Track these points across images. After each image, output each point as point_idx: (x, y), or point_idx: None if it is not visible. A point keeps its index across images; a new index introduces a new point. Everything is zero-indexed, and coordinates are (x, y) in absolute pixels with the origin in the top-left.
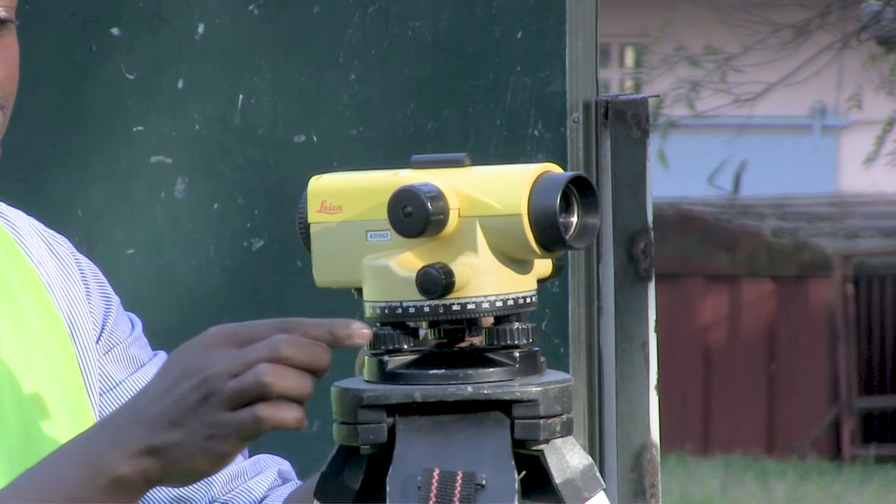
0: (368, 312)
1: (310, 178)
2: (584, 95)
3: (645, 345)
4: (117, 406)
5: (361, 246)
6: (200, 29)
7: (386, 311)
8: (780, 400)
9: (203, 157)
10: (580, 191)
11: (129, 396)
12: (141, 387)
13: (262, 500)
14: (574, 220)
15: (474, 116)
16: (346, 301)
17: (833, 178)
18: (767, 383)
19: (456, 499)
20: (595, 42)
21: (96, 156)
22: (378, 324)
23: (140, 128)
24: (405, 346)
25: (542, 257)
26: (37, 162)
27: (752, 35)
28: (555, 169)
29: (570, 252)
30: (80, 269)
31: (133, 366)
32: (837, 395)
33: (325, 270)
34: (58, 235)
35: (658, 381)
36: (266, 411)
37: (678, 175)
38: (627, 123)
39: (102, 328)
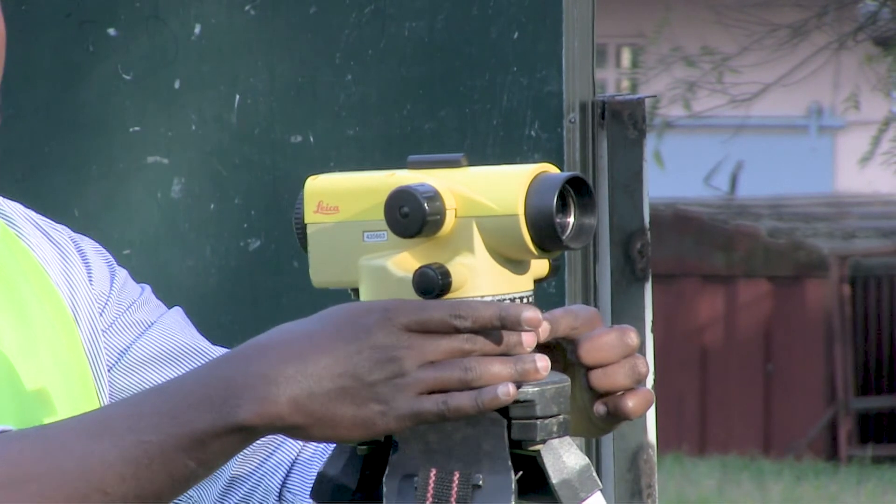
0: None
1: (306, 178)
2: (580, 96)
3: (641, 345)
4: (126, 379)
5: (358, 246)
6: (197, 29)
7: None
8: (777, 400)
9: (199, 158)
10: (577, 191)
11: (136, 363)
12: (150, 349)
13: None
14: (571, 220)
15: (471, 117)
16: (344, 301)
17: (829, 179)
18: (764, 383)
19: (453, 499)
20: (591, 42)
21: (93, 156)
22: None
23: (136, 128)
24: None
25: (538, 258)
26: (33, 162)
27: (749, 35)
28: (551, 169)
29: (566, 252)
30: (79, 251)
31: (139, 329)
32: (834, 396)
33: (322, 271)
34: (55, 223)
35: (655, 381)
36: (459, 400)
37: (675, 175)
38: (624, 124)
39: (107, 300)
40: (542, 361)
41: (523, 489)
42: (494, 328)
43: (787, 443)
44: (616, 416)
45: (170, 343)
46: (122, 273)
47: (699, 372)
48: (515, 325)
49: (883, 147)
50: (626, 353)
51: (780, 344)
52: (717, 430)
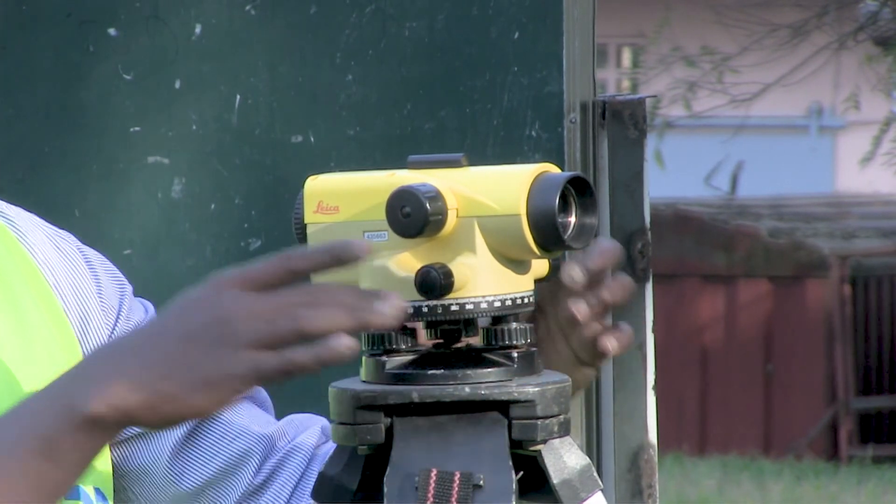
0: None
1: (306, 178)
2: (581, 96)
3: (642, 345)
4: None
5: None
6: (197, 29)
7: None
8: (777, 400)
9: (200, 158)
10: (578, 191)
11: None
12: None
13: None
14: (572, 220)
15: (471, 117)
16: None
17: (830, 179)
18: (764, 384)
19: (453, 499)
20: (592, 42)
21: (93, 156)
22: None
23: (137, 128)
24: (403, 347)
25: (540, 257)
26: (33, 162)
27: (749, 35)
28: (553, 169)
29: (567, 252)
30: (87, 262)
31: None
32: (834, 396)
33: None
34: (61, 231)
35: (655, 381)
36: (297, 353)
37: (675, 175)
38: (624, 124)
39: (118, 317)
40: (388, 301)
41: (524, 489)
42: (328, 266)
43: (787, 443)
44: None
45: None
46: (129, 288)
47: (700, 372)
48: (347, 256)
49: (883, 147)
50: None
51: (781, 344)
52: (717, 430)
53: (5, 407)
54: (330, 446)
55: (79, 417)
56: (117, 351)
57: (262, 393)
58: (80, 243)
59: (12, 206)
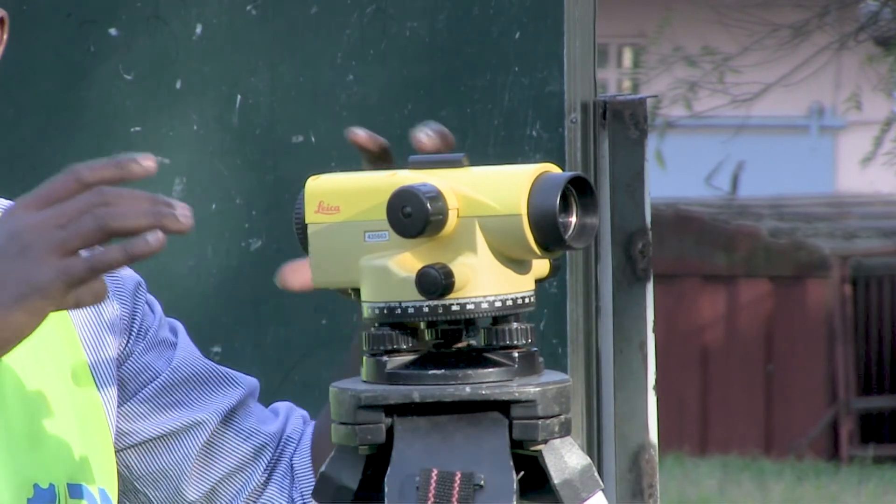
0: (367, 313)
1: (307, 178)
2: (581, 96)
3: (643, 345)
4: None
5: (359, 246)
6: (198, 29)
7: (385, 311)
8: (778, 400)
9: (201, 158)
10: (579, 191)
11: (170, 386)
12: (180, 374)
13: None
14: (573, 220)
15: (472, 117)
16: (344, 302)
17: (830, 179)
18: (765, 384)
19: (454, 499)
20: (593, 42)
21: (94, 156)
22: (376, 324)
23: (138, 128)
24: (404, 347)
25: (541, 257)
26: (34, 162)
27: (750, 35)
28: (553, 169)
29: (568, 252)
30: None
31: (166, 347)
32: (835, 396)
33: (323, 271)
34: None
35: (656, 381)
36: (106, 253)
37: (676, 175)
38: (625, 124)
39: (133, 315)
40: (183, 209)
41: (525, 489)
42: (115, 178)
43: (788, 443)
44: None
45: (199, 365)
46: (143, 286)
47: (700, 372)
48: (132, 168)
49: (884, 147)
50: None
51: (782, 344)
52: (718, 430)
53: (14, 406)
54: (309, 433)
55: None
56: None
57: (257, 384)
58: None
59: None
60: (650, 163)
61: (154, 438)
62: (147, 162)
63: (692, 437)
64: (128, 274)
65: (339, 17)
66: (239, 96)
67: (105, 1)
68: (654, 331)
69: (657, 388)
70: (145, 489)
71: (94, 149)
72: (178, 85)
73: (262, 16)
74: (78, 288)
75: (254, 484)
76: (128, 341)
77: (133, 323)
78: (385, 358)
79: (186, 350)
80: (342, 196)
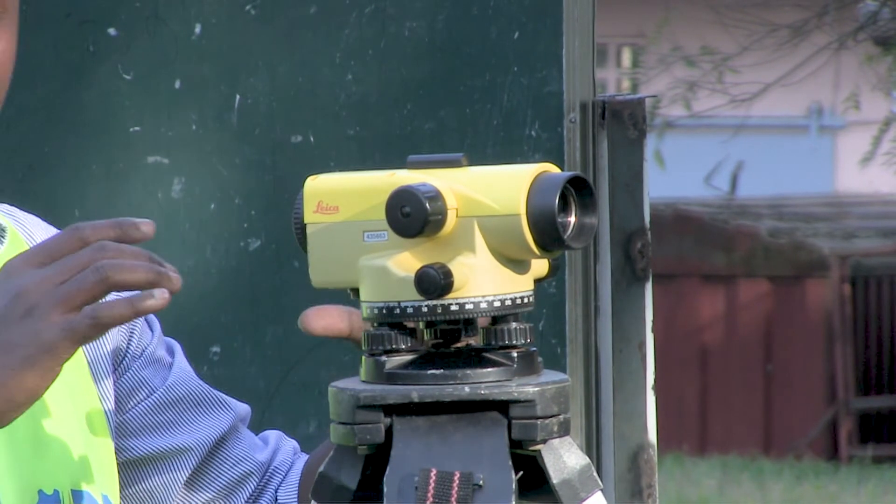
0: (366, 313)
1: (306, 178)
2: (580, 95)
3: (642, 345)
4: (152, 416)
5: (358, 246)
6: (197, 29)
7: (384, 311)
8: (777, 400)
9: (200, 158)
10: (578, 191)
11: (163, 405)
12: (174, 393)
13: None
14: (572, 220)
15: (471, 117)
16: (344, 301)
17: (830, 179)
18: (764, 383)
19: (453, 499)
20: (592, 42)
21: (93, 156)
22: (375, 324)
23: (137, 128)
24: (402, 347)
25: (540, 257)
26: (33, 162)
27: (749, 35)
28: (552, 169)
29: (567, 252)
30: None
31: (163, 365)
32: (834, 396)
33: (322, 271)
34: None
35: (655, 381)
36: (110, 307)
37: (675, 175)
38: (624, 124)
39: (132, 330)
40: (175, 273)
41: (523, 489)
42: (115, 239)
43: (787, 443)
44: None
45: (193, 387)
46: None
47: (699, 372)
48: (133, 232)
49: (883, 147)
50: None
51: (781, 344)
52: (717, 429)
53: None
54: (298, 467)
55: None
56: None
57: (248, 410)
58: None
59: (28, 215)
60: (649, 163)
61: (143, 458)
62: (147, 227)
63: (691, 437)
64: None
65: (338, 16)
66: (238, 96)
67: (104, 1)
68: (654, 331)
69: (656, 387)
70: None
71: (93, 149)
72: (178, 85)
73: (261, 16)
74: (84, 343)
75: None
76: (125, 356)
77: (132, 339)
78: (384, 358)
79: (182, 370)
80: (341, 196)
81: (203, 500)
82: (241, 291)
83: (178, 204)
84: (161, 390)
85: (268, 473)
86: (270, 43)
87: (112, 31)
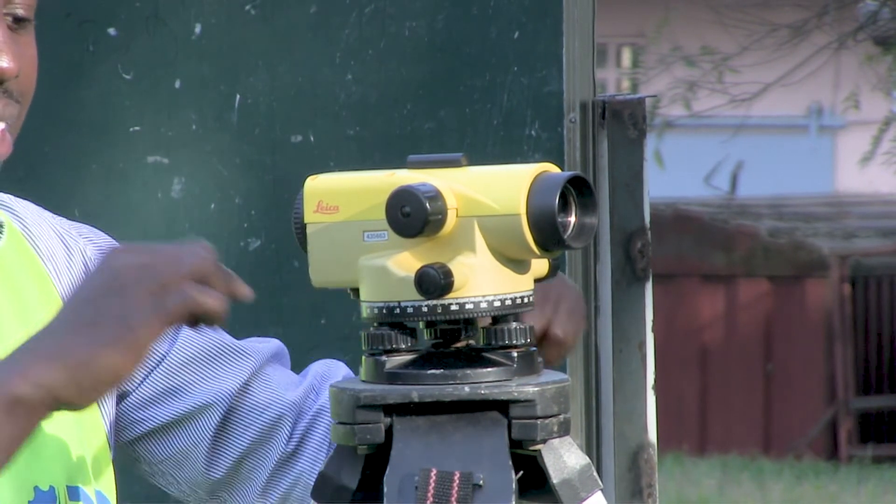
0: (366, 313)
1: (306, 178)
2: (580, 95)
3: (642, 345)
4: (166, 381)
5: (358, 246)
6: (197, 29)
7: (384, 311)
8: (777, 400)
9: (200, 158)
10: (578, 191)
11: (176, 366)
12: (187, 351)
13: None
14: (572, 219)
15: (471, 116)
16: (343, 301)
17: (830, 178)
18: (764, 383)
19: (453, 499)
20: (592, 42)
21: (93, 156)
22: (375, 324)
23: (137, 128)
24: (403, 347)
25: (540, 257)
26: (33, 162)
27: (749, 35)
28: (552, 169)
29: (567, 252)
30: (101, 252)
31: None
32: (834, 395)
33: (322, 270)
34: (72, 226)
35: (655, 381)
36: (195, 291)
37: (675, 175)
38: (624, 123)
39: None
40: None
41: (524, 489)
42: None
43: (787, 442)
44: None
45: (205, 342)
46: None
47: (699, 372)
48: (235, 285)
49: (883, 147)
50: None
51: (781, 343)
52: (717, 429)
53: None
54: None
55: (5, 399)
56: (40, 332)
57: (279, 347)
58: (92, 234)
59: (20, 200)
60: (649, 162)
61: (166, 424)
62: (246, 293)
63: (691, 437)
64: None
65: (338, 16)
66: (238, 96)
67: (104, 1)
68: (653, 330)
69: (656, 387)
70: (170, 471)
71: (92, 149)
72: (177, 84)
73: (261, 15)
74: (171, 325)
75: (276, 456)
76: None
77: None
78: (384, 357)
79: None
80: (341, 196)
81: (238, 452)
82: None
83: (177, 204)
84: (171, 354)
85: (306, 411)
86: (270, 43)
87: (112, 30)
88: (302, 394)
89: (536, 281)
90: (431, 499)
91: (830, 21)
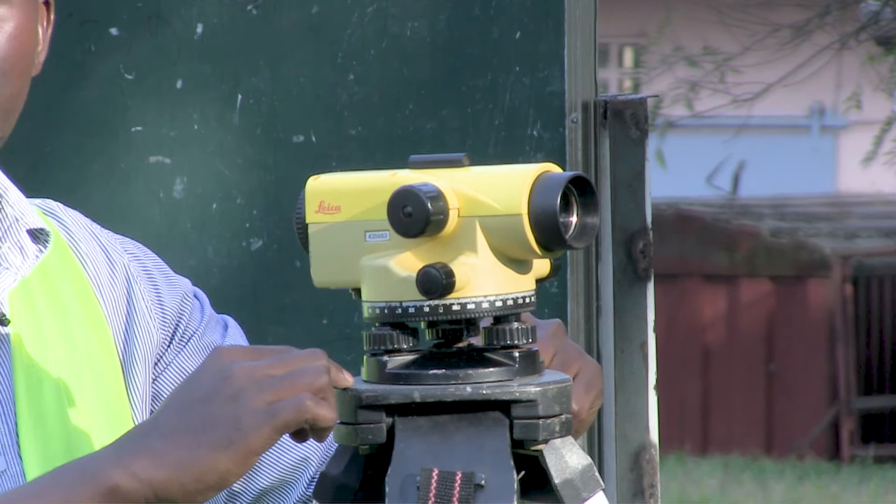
0: (367, 313)
1: (308, 178)
2: (582, 95)
3: (644, 345)
4: None
5: (360, 246)
6: (199, 29)
7: (385, 311)
8: (779, 400)
9: (201, 158)
10: (580, 191)
11: None
12: None
13: None
14: (574, 219)
15: (473, 117)
16: (345, 301)
17: (831, 179)
18: (766, 383)
19: (455, 499)
20: (593, 42)
21: (94, 156)
22: (377, 324)
23: (138, 128)
24: (404, 347)
25: (541, 257)
26: (35, 162)
27: (751, 35)
28: (554, 169)
29: (568, 252)
30: (145, 271)
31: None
32: (836, 396)
33: (324, 271)
34: (117, 240)
35: (657, 381)
36: (310, 403)
37: (677, 175)
38: (626, 123)
39: (177, 324)
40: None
41: (525, 489)
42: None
43: (789, 442)
44: None
45: None
46: (187, 290)
47: (701, 372)
48: (341, 381)
49: (885, 147)
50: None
51: (783, 344)
52: (719, 429)
53: (52, 410)
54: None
55: (102, 487)
56: (147, 424)
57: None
58: (136, 249)
59: (68, 210)
60: (651, 162)
61: None
62: (349, 380)
63: (693, 437)
64: (182, 280)
65: (339, 16)
66: (240, 96)
67: (106, 1)
68: (655, 331)
69: (658, 387)
70: None
71: (94, 149)
72: (179, 84)
73: (262, 15)
74: (283, 433)
75: (295, 498)
76: (166, 352)
77: (178, 327)
78: (386, 358)
79: None
80: (343, 196)
81: (261, 487)
82: (242, 291)
83: (179, 204)
84: None
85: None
86: (272, 43)
87: (114, 30)
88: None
89: (538, 281)
90: (433, 499)
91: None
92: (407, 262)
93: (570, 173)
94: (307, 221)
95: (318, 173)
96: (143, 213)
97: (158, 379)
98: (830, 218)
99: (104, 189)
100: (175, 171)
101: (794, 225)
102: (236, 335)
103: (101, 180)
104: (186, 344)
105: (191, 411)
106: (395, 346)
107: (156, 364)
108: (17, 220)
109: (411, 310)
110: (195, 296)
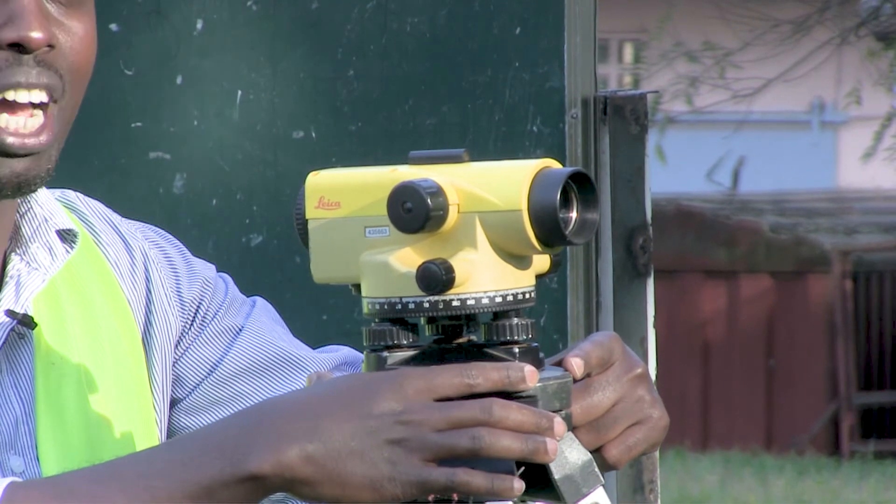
0: (367, 308)
1: (308, 173)
2: (582, 91)
3: (643, 340)
4: (220, 391)
5: (360, 242)
6: (199, 25)
7: (385, 306)
8: (779, 396)
9: (201, 153)
10: (579, 186)
11: (230, 375)
12: (243, 360)
13: None
14: (574, 215)
15: (473, 112)
16: (345, 297)
17: (831, 174)
18: (766, 379)
19: (455, 495)
20: (593, 38)
21: (94, 152)
22: (377, 320)
23: (138, 123)
24: (404, 342)
25: (541, 253)
26: None
27: (751, 31)
28: (554, 164)
29: (568, 248)
30: (166, 258)
31: (229, 336)
32: (836, 391)
33: (324, 266)
34: (135, 226)
35: (657, 376)
36: (469, 476)
37: (677, 171)
38: (626, 119)
39: (196, 310)
40: (553, 444)
41: (526, 485)
42: (503, 387)
43: (789, 438)
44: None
45: (262, 351)
46: (209, 275)
47: (701, 367)
48: (520, 383)
49: (885, 142)
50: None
51: (783, 339)
52: (719, 425)
53: (73, 412)
54: None
55: (244, 473)
56: (292, 412)
57: (346, 356)
58: (157, 235)
59: (88, 200)
60: (651, 158)
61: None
62: (532, 379)
63: (693, 433)
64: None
65: (339, 12)
66: (240, 92)
67: None
68: (655, 326)
69: (658, 383)
70: None
71: (94, 144)
72: (179, 80)
73: (262, 11)
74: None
75: None
76: (185, 336)
77: (198, 311)
78: (386, 353)
79: (253, 333)
80: (343, 192)
81: None
82: (242, 287)
83: (179, 199)
84: (223, 364)
85: None
86: (272, 38)
87: (114, 26)
88: None
89: (538, 277)
90: (434, 495)
91: (832, 17)
92: (407, 257)
93: (569, 169)
94: (307, 217)
95: (317, 169)
96: (143, 209)
97: (178, 362)
98: (830, 213)
99: (104, 184)
100: (175, 166)
101: (794, 220)
102: (262, 315)
103: (101, 176)
104: (205, 328)
105: (357, 431)
106: (396, 341)
107: (175, 347)
108: (46, 220)
109: (411, 306)
110: (218, 280)
